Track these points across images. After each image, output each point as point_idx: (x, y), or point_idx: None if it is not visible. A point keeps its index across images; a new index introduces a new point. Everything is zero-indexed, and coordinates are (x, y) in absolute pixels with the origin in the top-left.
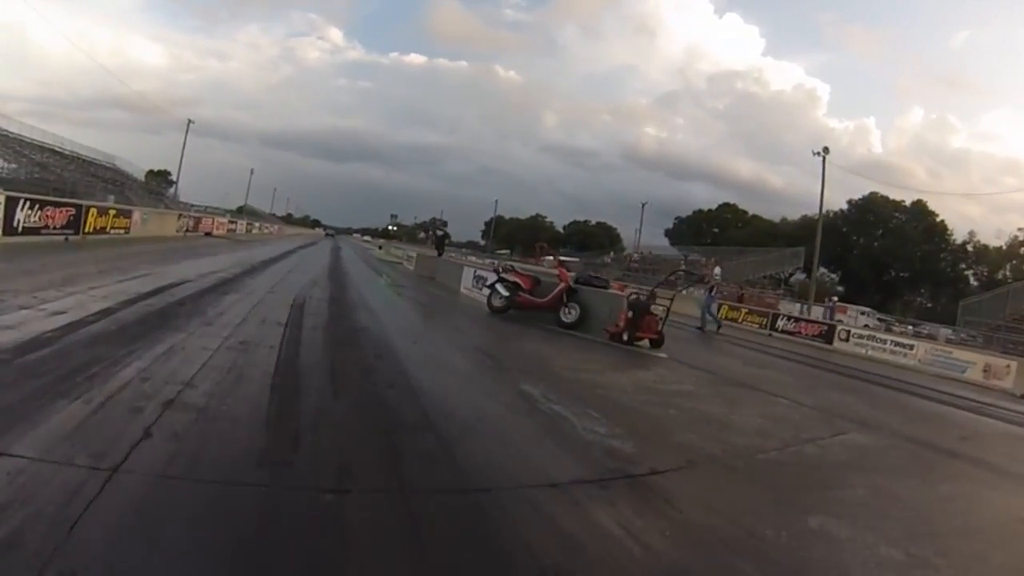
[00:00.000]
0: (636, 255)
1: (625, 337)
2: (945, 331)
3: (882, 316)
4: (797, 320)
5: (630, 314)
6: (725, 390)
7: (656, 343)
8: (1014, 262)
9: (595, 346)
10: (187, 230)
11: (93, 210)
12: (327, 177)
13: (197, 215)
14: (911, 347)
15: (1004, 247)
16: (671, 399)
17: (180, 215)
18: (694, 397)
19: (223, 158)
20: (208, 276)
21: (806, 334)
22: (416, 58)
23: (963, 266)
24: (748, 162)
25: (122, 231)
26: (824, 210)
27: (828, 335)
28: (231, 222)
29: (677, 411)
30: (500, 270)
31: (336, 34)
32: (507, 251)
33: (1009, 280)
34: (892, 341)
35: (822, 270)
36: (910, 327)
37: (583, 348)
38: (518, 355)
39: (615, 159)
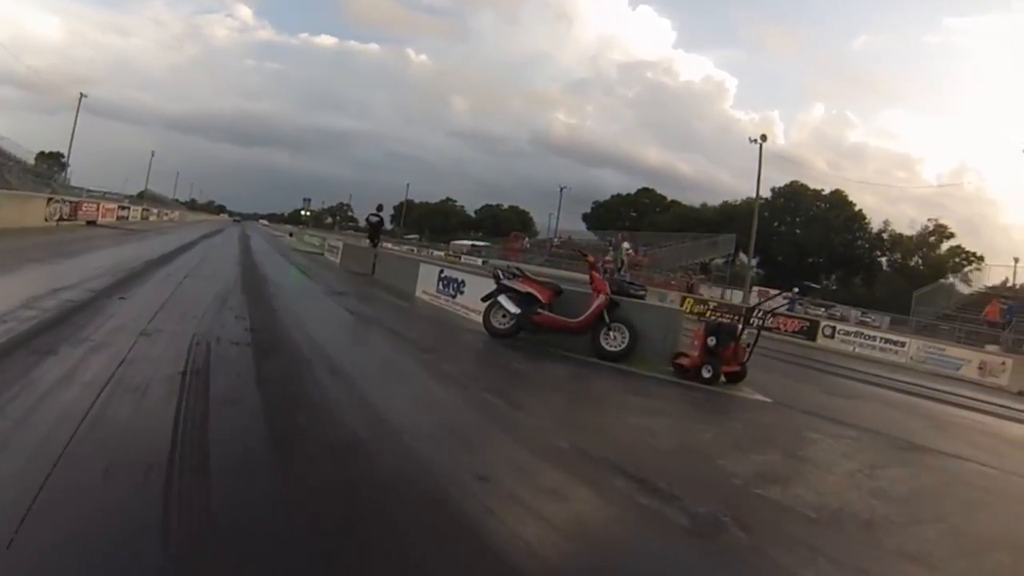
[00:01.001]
0: (557, 240)
1: (707, 373)
2: (855, 312)
3: (801, 301)
4: (775, 315)
5: (712, 341)
6: (925, 463)
7: (737, 378)
8: (924, 250)
9: (681, 394)
10: (61, 218)
11: None
12: (233, 162)
13: (76, 199)
14: (903, 344)
15: (915, 237)
16: (956, 524)
17: (50, 199)
18: (951, 506)
19: (124, 141)
20: (42, 301)
21: (785, 330)
22: (327, 39)
23: (878, 253)
24: (657, 150)
25: None
26: (746, 197)
27: (811, 332)
28: (122, 208)
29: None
30: (501, 276)
31: (246, 12)
32: (415, 236)
33: (921, 267)
34: (882, 338)
35: (742, 255)
36: (823, 309)
37: (681, 403)
38: (664, 459)
39: (526, 145)
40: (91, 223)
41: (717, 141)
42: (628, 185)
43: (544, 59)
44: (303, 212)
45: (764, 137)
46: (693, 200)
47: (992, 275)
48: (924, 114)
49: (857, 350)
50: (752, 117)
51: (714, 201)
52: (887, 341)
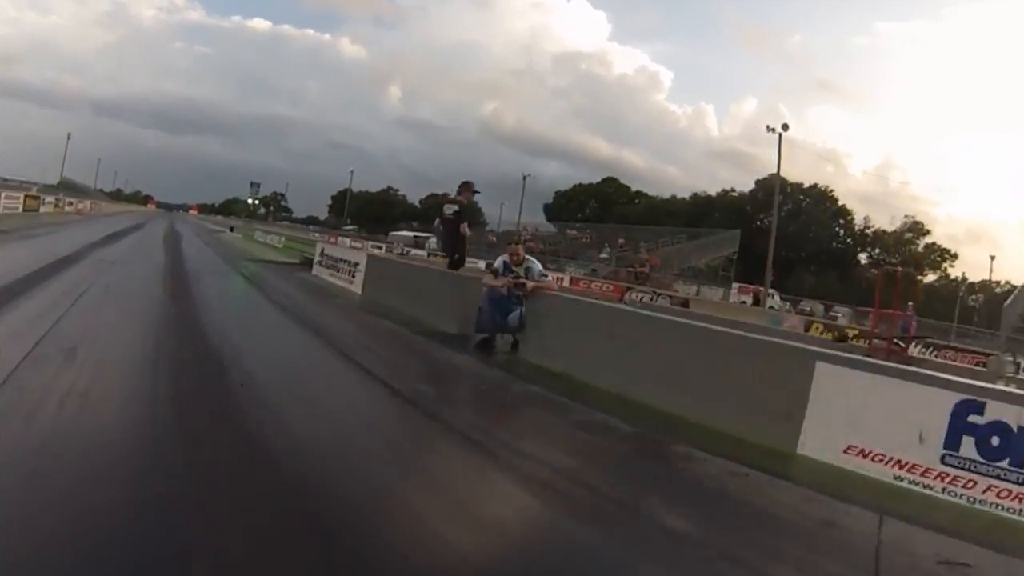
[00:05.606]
0: (526, 234)
1: None
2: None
3: (783, 296)
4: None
5: None
6: None
7: None
8: (902, 247)
9: None
10: None
11: None
12: (162, 150)
13: None
14: None
15: (894, 233)
16: None
17: None
18: None
19: (44, 126)
20: None
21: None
22: (260, 23)
23: (859, 248)
24: (604, 142)
25: None
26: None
27: None
28: (31, 197)
29: None
30: None
31: None
32: (354, 227)
33: (896, 263)
34: None
35: None
36: (807, 307)
37: None
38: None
39: (469, 135)
40: None
41: (658, 133)
42: (573, 177)
43: (487, 49)
44: (251, 201)
45: (786, 127)
46: (643, 191)
47: None
48: (856, 111)
49: None
50: (686, 110)
51: (663, 194)
52: None
